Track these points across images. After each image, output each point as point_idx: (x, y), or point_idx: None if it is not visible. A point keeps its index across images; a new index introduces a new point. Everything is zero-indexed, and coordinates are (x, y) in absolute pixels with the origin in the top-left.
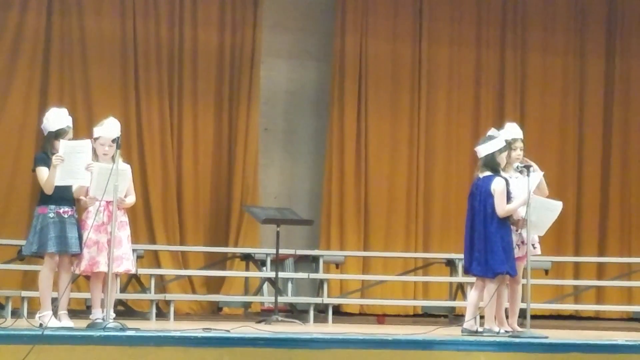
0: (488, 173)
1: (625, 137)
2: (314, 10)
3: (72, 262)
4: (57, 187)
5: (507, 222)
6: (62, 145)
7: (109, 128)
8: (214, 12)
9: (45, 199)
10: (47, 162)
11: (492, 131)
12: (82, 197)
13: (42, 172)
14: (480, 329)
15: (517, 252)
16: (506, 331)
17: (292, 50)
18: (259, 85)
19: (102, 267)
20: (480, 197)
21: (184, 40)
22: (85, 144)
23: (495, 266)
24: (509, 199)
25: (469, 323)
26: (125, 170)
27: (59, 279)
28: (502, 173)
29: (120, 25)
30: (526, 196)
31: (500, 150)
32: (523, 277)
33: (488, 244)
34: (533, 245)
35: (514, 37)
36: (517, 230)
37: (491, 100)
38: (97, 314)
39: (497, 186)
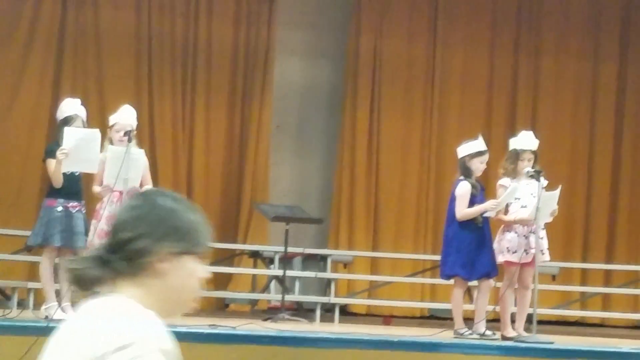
0: (461, 176)
1: (637, 144)
2: (329, 8)
3: (78, 255)
4: (66, 181)
5: (470, 226)
6: (67, 132)
7: (125, 115)
8: (229, 7)
9: (54, 192)
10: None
11: (480, 137)
12: (96, 188)
13: (51, 164)
14: (467, 332)
15: (524, 258)
16: (482, 333)
17: (306, 48)
18: (272, 82)
19: None
20: (450, 201)
21: (199, 35)
22: (93, 132)
23: (445, 268)
24: (472, 203)
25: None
26: (138, 155)
27: (62, 271)
28: (471, 179)
29: (135, 18)
30: (488, 204)
31: (472, 155)
32: (532, 283)
33: (445, 246)
34: (542, 251)
35: (528, 40)
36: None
37: (503, 102)
38: None
39: (459, 190)
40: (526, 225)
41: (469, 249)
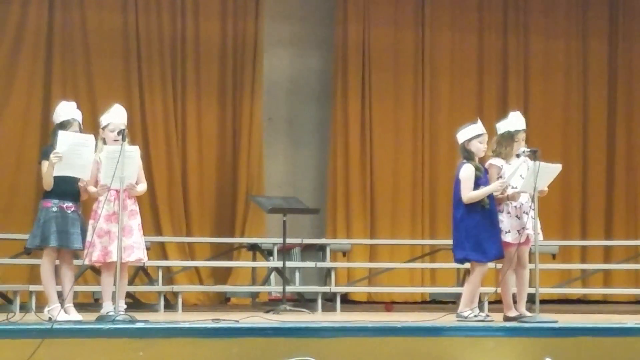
0: (463, 160)
1: (630, 120)
2: None
3: (78, 256)
4: (60, 182)
5: (477, 208)
6: (61, 136)
7: (118, 114)
8: (215, 2)
9: (49, 193)
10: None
11: (478, 120)
12: (91, 188)
13: (44, 165)
14: (471, 315)
15: (518, 238)
16: (487, 315)
17: (293, 39)
18: (262, 75)
19: (115, 257)
20: (454, 184)
21: (186, 31)
22: (87, 138)
23: (456, 252)
24: (477, 185)
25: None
26: (133, 153)
27: (62, 273)
28: (474, 161)
29: (122, 18)
30: (495, 185)
31: (471, 139)
32: (530, 262)
33: (454, 230)
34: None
35: (516, 21)
36: (509, 202)
37: (494, 85)
38: (107, 307)
39: (463, 173)
40: (517, 205)
41: (478, 231)
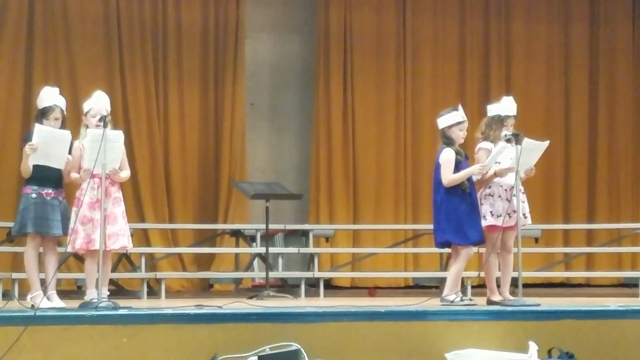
0: (443, 145)
1: (612, 103)
2: None
3: (61, 243)
4: (41, 169)
5: (457, 192)
6: (36, 129)
7: (100, 100)
8: None
9: (29, 179)
10: None
11: (459, 107)
12: (74, 174)
13: (24, 153)
14: (457, 299)
15: (507, 222)
16: (470, 299)
17: (276, 24)
18: (244, 60)
19: (98, 245)
20: (435, 168)
21: (168, 16)
22: (63, 134)
23: (437, 235)
24: (457, 169)
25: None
26: (117, 137)
27: (46, 260)
28: (454, 146)
29: (103, 4)
30: (475, 168)
31: (451, 126)
32: (514, 246)
33: (435, 214)
34: (524, 215)
35: (498, 4)
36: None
37: (476, 69)
38: (91, 294)
39: (444, 156)
40: (507, 188)
41: (458, 215)
